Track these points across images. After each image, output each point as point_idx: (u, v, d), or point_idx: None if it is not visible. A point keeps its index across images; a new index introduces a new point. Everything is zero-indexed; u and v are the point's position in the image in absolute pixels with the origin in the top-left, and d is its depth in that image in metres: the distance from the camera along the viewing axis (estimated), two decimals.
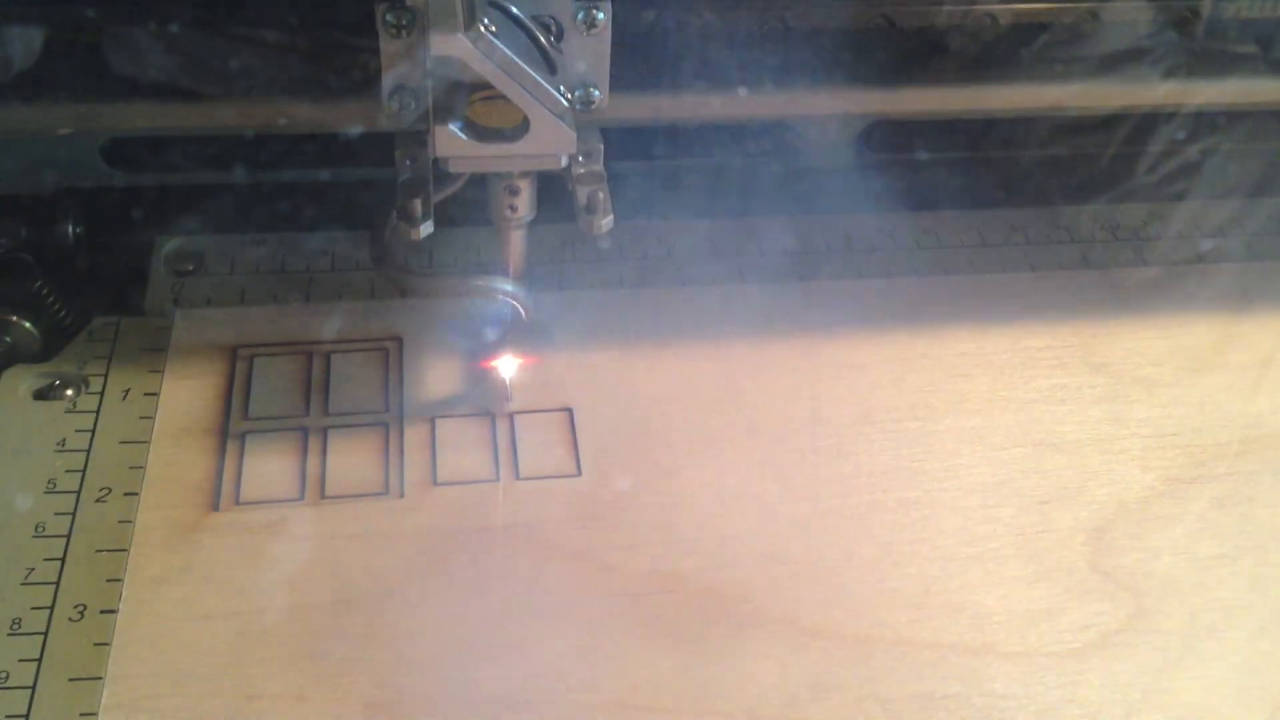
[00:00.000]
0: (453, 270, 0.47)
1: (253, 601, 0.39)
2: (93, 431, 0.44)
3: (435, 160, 0.41)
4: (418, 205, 0.41)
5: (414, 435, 0.45)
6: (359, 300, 0.50)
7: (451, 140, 0.40)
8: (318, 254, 0.51)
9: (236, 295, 0.50)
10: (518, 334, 0.46)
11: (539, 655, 0.39)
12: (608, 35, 0.41)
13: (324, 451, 0.44)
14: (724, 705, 0.38)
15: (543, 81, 0.39)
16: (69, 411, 0.45)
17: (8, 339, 0.47)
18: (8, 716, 0.36)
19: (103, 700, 0.37)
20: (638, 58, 0.46)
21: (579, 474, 0.44)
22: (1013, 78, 0.51)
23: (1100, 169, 0.57)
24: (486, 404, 0.46)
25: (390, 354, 0.48)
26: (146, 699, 0.37)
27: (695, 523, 0.43)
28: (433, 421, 0.45)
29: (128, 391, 0.46)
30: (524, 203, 0.44)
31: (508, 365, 0.46)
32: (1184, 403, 0.48)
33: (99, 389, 0.45)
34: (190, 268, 0.51)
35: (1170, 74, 0.50)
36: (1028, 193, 0.57)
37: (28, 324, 0.48)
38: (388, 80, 0.41)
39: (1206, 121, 0.56)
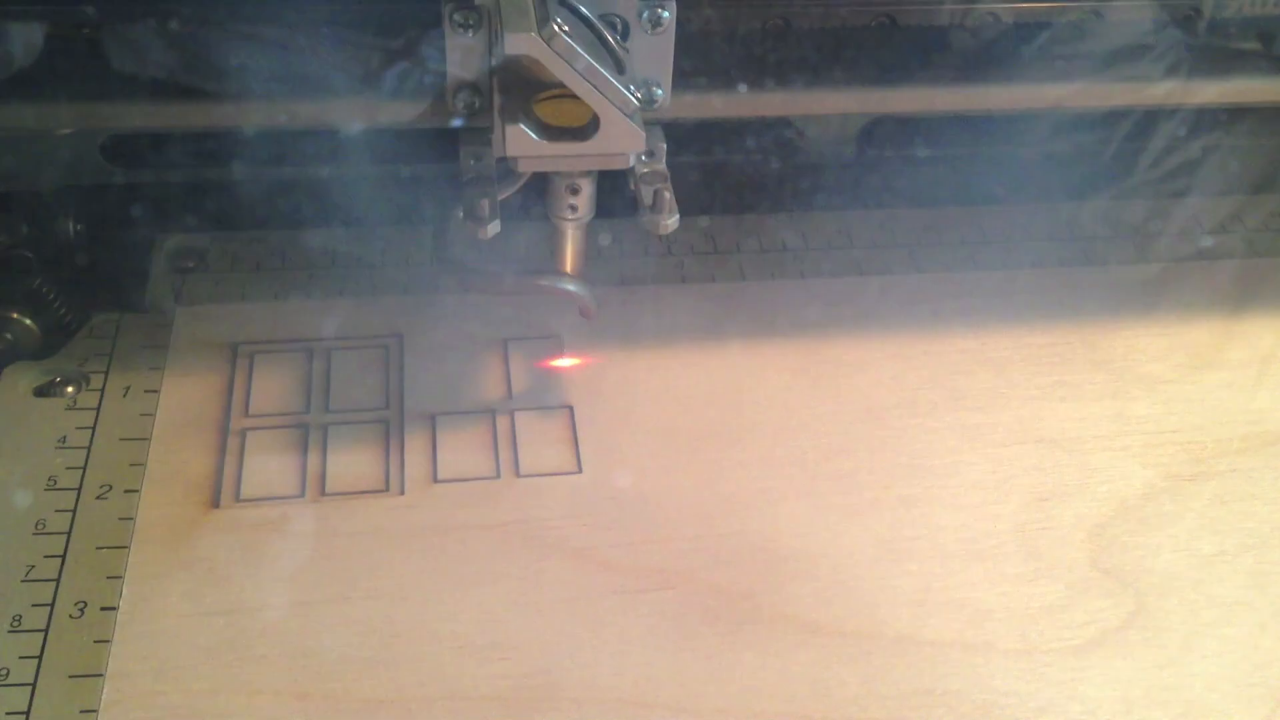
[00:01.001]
0: (516, 269, 0.47)
1: (253, 598, 0.40)
2: (93, 428, 0.44)
3: (499, 159, 0.41)
4: (485, 204, 0.41)
5: (414, 432, 0.45)
6: (360, 297, 0.50)
7: (522, 139, 0.39)
8: (319, 251, 0.51)
9: (237, 292, 0.50)
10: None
11: (539, 652, 0.39)
12: (672, 34, 0.41)
13: (324, 448, 0.44)
14: (724, 702, 0.38)
15: (614, 80, 0.39)
16: (69, 408, 0.45)
17: (8, 336, 0.47)
18: (8, 713, 0.36)
19: (103, 697, 0.37)
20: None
21: (580, 471, 0.44)
22: (1014, 75, 0.50)
23: (1102, 165, 0.57)
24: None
25: (390, 351, 0.48)
26: (147, 696, 0.37)
27: (696, 520, 0.43)
28: (433, 418, 0.45)
29: (128, 388, 0.46)
30: (584, 201, 0.44)
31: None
32: (1185, 399, 0.48)
33: (99, 386, 0.46)
34: (191, 264, 0.51)
35: (1172, 71, 0.50)
36: (1029, 189, 0.57)
37: (28, 321, 0.48)
38: (453, 78, 0.41)
39: (1208, 118, 0.56)
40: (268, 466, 0.43)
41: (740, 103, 0.48)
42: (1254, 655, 0.40)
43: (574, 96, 0.38)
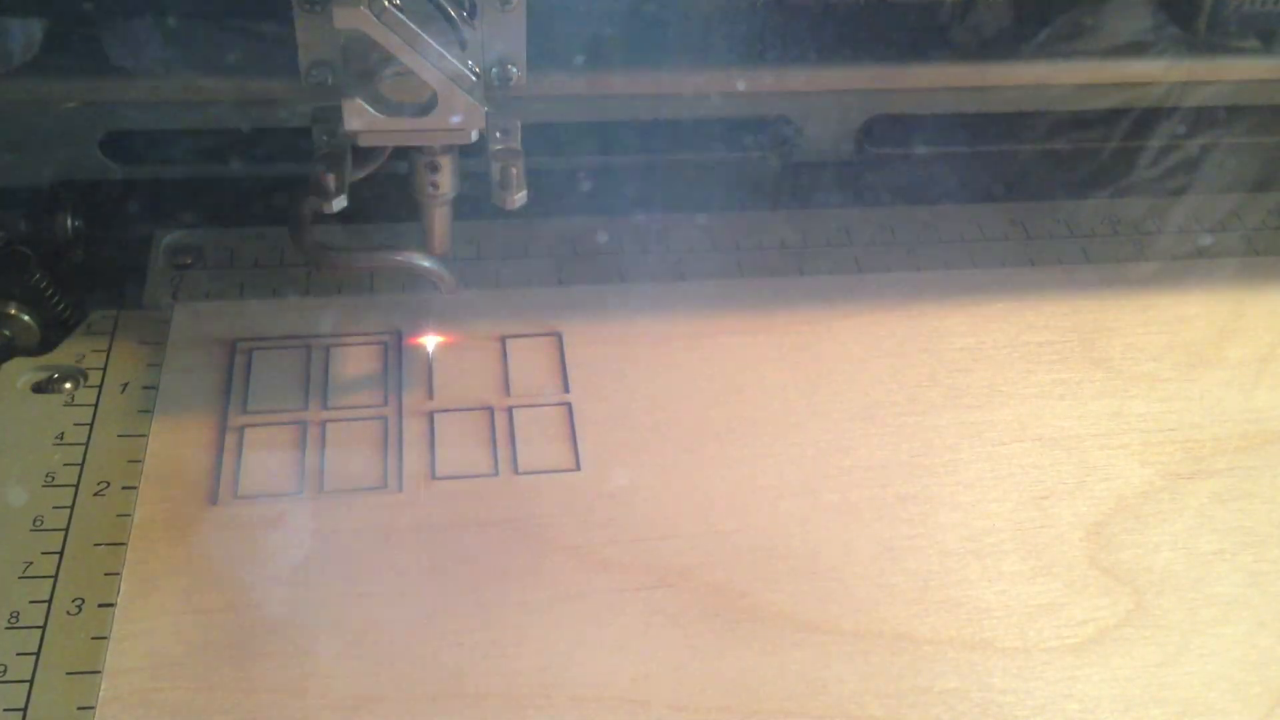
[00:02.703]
0: (371, 245, 0.47)
1: (251, 595, 0.39)
2: (91, 425, 0.44)
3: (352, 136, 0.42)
4: (331, 179, 0.42)
5: (413, 429, 0.45)
6: (358, 294, 0.50)
7: (360, 113, 0.40)
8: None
9: (235, 288, 0.50)
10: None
11: (536, 650, 0.39)
12: (522, 11, 0.41)
13: (323, 445, 0.44)
14: (722, 700, 0.38)
15: (449, 55, 0.39)
16: (67, 405, 0.45)
17: (6, 332, 0.47)
18: (6, 710, 0.36)
19: (101, 694, 0.37)
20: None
21: (578, 469, 0.44)
22: (1014, 70, 0.50)
23: (1100, 163, 0.57)
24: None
25: (389, 347, 0.48)
26: (144, 692, 0.37)
27: (694, 517, 0.43)
28: (431, 415, 0.45)
29: (126, 385, 0.45)
30: (446, 179, 0.44)
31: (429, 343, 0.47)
32: (1184, 398, 0.48)
33: (97, 382, 0.45)
34: (189, 261, 0.51)
35: (1171, 68, 0.50)
36: (1027, 187, 0.57)
37: (26, 317, 0.48)
38: (304, 54, 0.41)
39: (1207, 115, 0.56)
40: (266, 463, 0.43)
41: (608, 80, 0.48)
42: (1252, 654, 0.40)
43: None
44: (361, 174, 0.45)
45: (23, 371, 0.46)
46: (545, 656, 0.39)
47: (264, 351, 0.47)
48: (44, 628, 0.38)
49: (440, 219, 0.45)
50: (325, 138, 0.44)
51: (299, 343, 0.47)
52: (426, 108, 0.40)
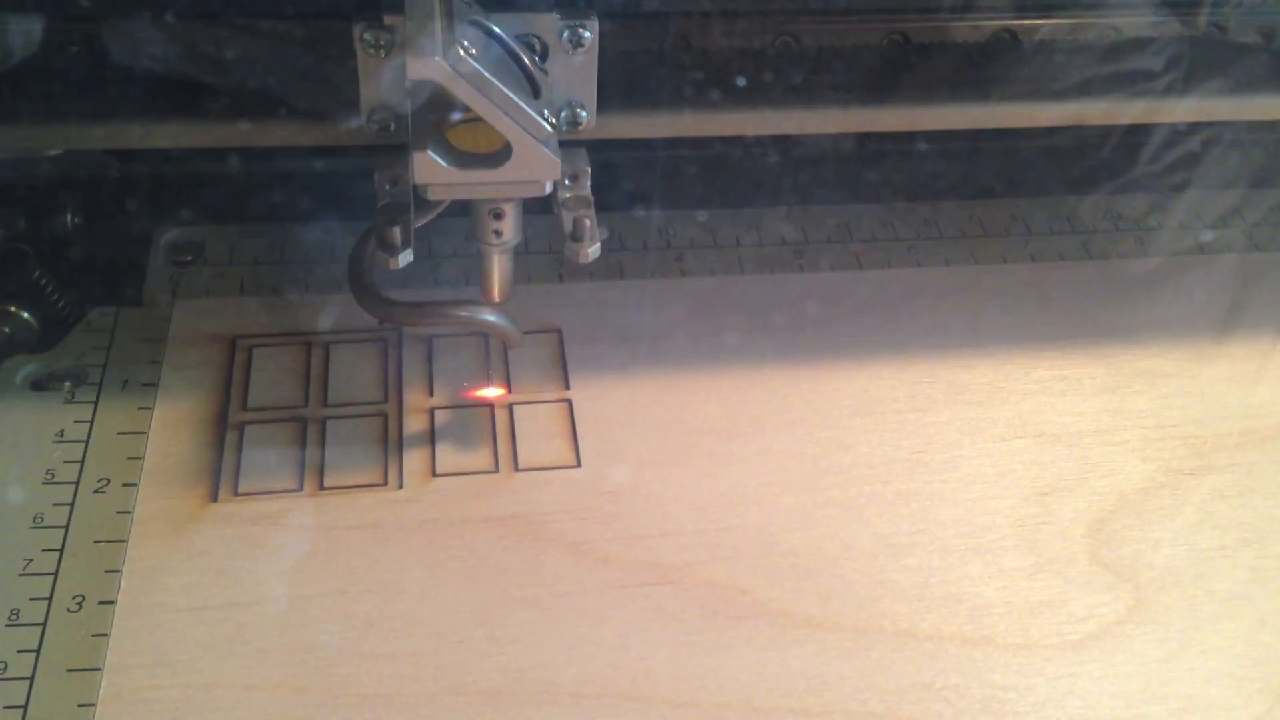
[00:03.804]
0: (434, 299, 0.45)
1: (251, 592, 0.39)
2: (91, 422, 0.44)
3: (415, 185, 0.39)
4: (397, 233, 0.40)
5: (413, 426, 0.45)
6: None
7: (430, 166, 0.38)
8: (316, 245, 0.51)
9: (235, 286, 0.50)
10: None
11: (537, 647, 0.39)
12: (595, 54, 0.40)
13: (323, 442, 0.44)
14: (722, 697, 0.38)
15: (525, 105, 0.37)
16: (67, 402, 0.45)
17: (6, 329, 0.47)
18: (6, 707, 0.36)
19: (101, 691, 0.37)
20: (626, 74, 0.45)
21: (578, 465, 0.44)
22: (1015, 82, 0.50)
23: (1102, 159, 0.57)
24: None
25: (389, 345, 0.47)
26: (144, 690, 0.37)
27: (694, 514, 0.43)
28: (431, 413, 0.45)
29: (126, 382, 0.45)
30: (509, 226, 0.41)
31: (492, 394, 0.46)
32: (1185, 394, 0.48)
33: (97, 380, 0.45)
34: (189, 258, 0.51)
35: (1173, 65, 0.50)
36: (1029, 183, 0.57)
37: (26, 314, 0.48)
38: (367, 99, 0.39)
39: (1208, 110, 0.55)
40: (266, 460, 0.43)
41: (675, 123, 0.46)
42: (1253, 650, 0.40)
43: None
44: (421, 222, 0.42)
45: (22, 369, 0.46)
46: (546, 653, 0.39)
47: (264, 348, 0.47)
48: (44, 625, 0.38)
49: (501, 266, 0.43)
50: (388, 186, 0.41)
51: (299, 340, 0.47)
52: (500, 159, 0.38)
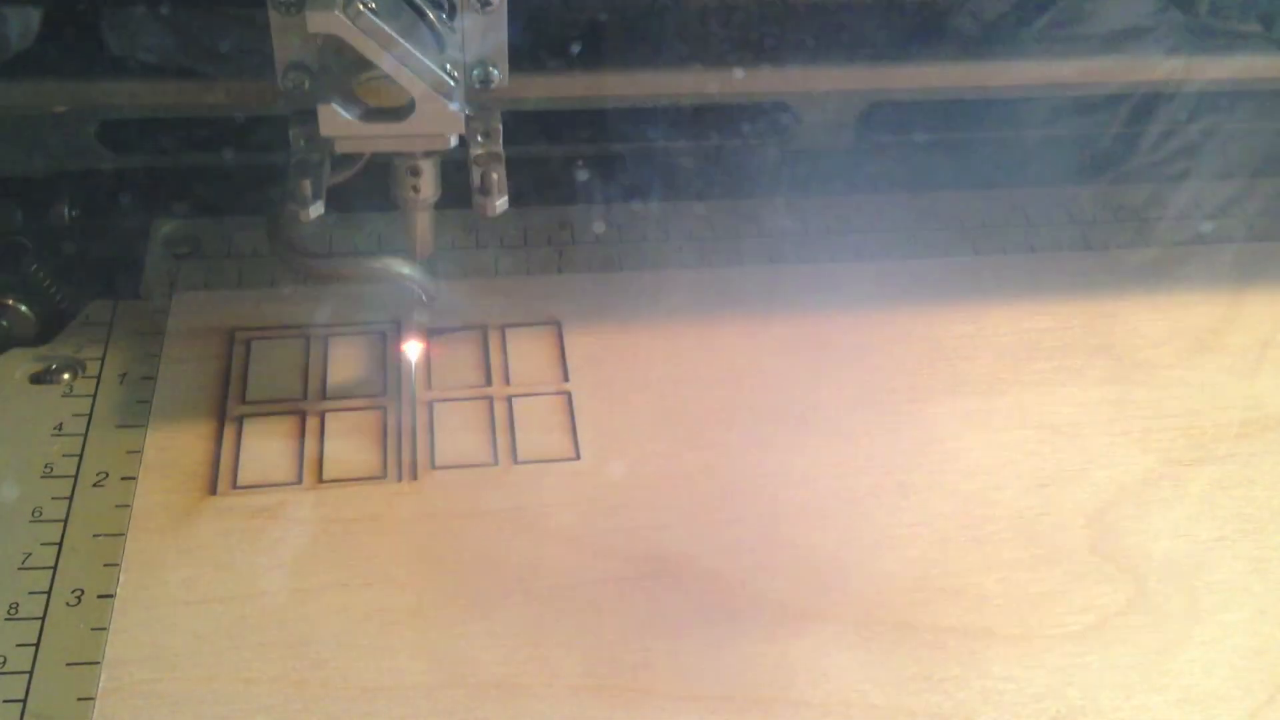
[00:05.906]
0: (351, 253, 0.46)
1: (250, 586, 0.39)
2: (89, 415, 0.44)
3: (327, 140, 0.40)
4: (308, 185, 0.40)
5: (412, 419, 0.45)
6: (356, 283, 0.49)
7: (336, 119, 0.39)
8: (315, 237, 0.51)
9: (233, 278, 0.49)
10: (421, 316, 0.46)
11: (536, 639, 0.39)
12: (504, 12, 0.40)
13: (322, 435, 0.44)
14: (722, 689, 0.38)
15: (426, 60, 0.38)
16: (65, 395, 0.45)
17: (3, 323, 0.47)
18: (6, 701, 0.36)
19: (100, 685, 0.37)
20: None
21: (577, 457, 0.44)
22: (1014, 54, 0.50)
23: (1101, 149, 0.57)
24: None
25: (388, 337, 0.47)
26: (144, 683, 0.37)
27: (694, 506, 0.43)
28: (431, 405, 0.45)
29: (124, 375, 0.45)
30: (427, 183, 0.43)
31: (413, 350, 0.46)
32: (1185, 384, 0.48)
33: (95, 373, 0.45)
34: (187, 250, 0.50)
35: (1172, 52, 0.50)
36: (1028, 173, 0.57)
37: (24, 308, 0.47)
38: (280, 58, 0.40)
39: (1208, 101, 0.55)
40: (265, 453, 0.43)
41: (586, 83, 0.47)
42: (1253, 641, 0.40)
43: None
44: (341, 178, 0.43)
45: (20, 362, 0.46)
46: (545, 645, 0.39)
47: (262, 341, 0.47)
48: (43, 619, 0.38)
49: (422, 223, 0.44)
50: (302, 143, 0.43)
51: (297, 332, 0.47)
52: (404, 113, 0.39)
